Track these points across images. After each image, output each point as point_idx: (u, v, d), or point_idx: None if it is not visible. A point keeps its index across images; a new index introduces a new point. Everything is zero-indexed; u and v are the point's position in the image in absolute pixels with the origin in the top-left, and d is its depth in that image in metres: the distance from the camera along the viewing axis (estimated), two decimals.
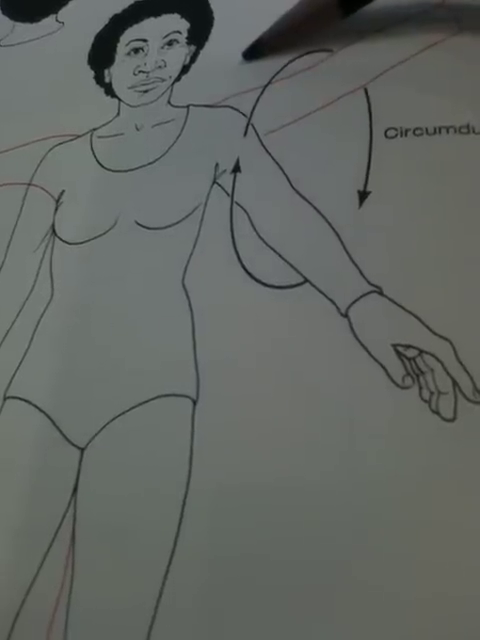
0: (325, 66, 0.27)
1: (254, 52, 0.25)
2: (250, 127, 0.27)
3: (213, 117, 0.28)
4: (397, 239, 0.22)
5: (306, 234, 0.24)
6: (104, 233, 0.27)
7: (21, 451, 0.23)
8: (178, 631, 0.19)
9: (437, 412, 0.19)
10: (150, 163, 0.28)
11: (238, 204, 0.25)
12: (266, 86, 0.28)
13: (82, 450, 0.22)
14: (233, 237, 0.25)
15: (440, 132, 0.24)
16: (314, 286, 0.22)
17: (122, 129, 0.30)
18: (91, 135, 0.30)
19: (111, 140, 0.30)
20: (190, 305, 0.24)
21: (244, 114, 0.28)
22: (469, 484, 0.18)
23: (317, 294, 0.22)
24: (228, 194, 0.26)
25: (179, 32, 0.31)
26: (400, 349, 0.20)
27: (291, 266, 0.23)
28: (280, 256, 0.24)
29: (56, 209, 0.28)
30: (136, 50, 0.32)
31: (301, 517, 0.19)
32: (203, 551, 0.19)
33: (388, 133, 0.25)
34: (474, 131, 0.24)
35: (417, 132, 0.24)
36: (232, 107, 0.28)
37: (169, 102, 0.30)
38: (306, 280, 0.23)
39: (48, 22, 0.36)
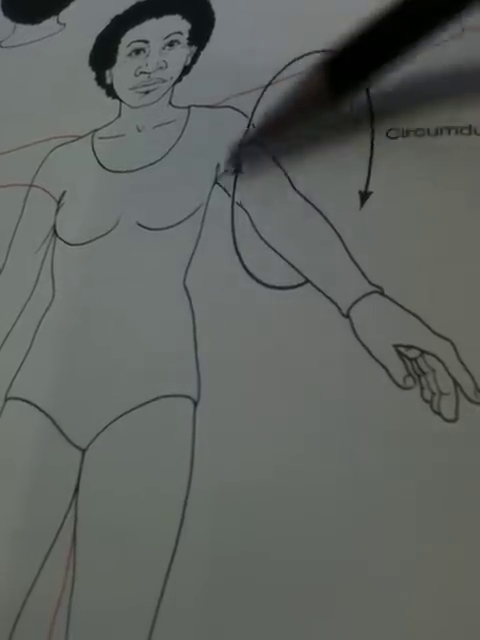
0: None
1: (237, 158, 0.26)
2: (251, 128, 0.27)
3: (214, 118, 0.28)
4: (398, 240, 0.22)
5: (307, 235, 0.24)
6: (105, 234, 0.27)
7: (22, 452, 0.23)
8: (179, 632, 0.19)
9: (439, 413, 0.19)
10: (151, 164, 0.28)
11: (239, 205, 0.25)
12: (267, 86, 0.28)
13: (83, 451, 0.22)
14: (234, 238, 0.25)
15: (442, 133, 0.24)
16: (315, 286, 0.22)
17: (123, 130, 0.30)
18: (92, 136, 0.30)
19: (112, 141, 0.30)
20: (191, 306, 0.24)
21: (245, 115, 0.28)
22: (470, 485, 0.18)
23: (318, 294, 0.22)
24: (229, 195, 0.26)
25: (180, 33, 0.31)
26: (401, 349, 0.20)
27: (292, 266, 0.23)
28: (281, 256, 0.23)
29: (57, 210, 0.28)
30: (137, 51, 0.32)
31: (302, 518, 0.19)
32: (204, 552, 0.19)
33: (390, 134, 0.25)
34: (476, 132, 0.24)
35: (419, 133, 0.24)
36: (233, 108, 0.28)
37: (170, 103, 0.30)
38: (307, 280, 0.23)
39: (49, 23, 0.36)
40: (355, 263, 0.22)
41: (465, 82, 0.25)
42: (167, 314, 0.24)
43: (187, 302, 0.24)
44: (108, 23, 0.34)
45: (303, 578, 0.18)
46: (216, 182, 0.26)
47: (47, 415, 0.23)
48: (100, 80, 0.32)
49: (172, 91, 0.30)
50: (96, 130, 0.30)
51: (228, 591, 0.19)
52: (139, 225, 0.27)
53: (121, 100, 0.31)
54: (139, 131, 0.29)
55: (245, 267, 0.24)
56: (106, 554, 0.20)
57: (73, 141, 0.30)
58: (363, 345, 0.21)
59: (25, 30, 0.37)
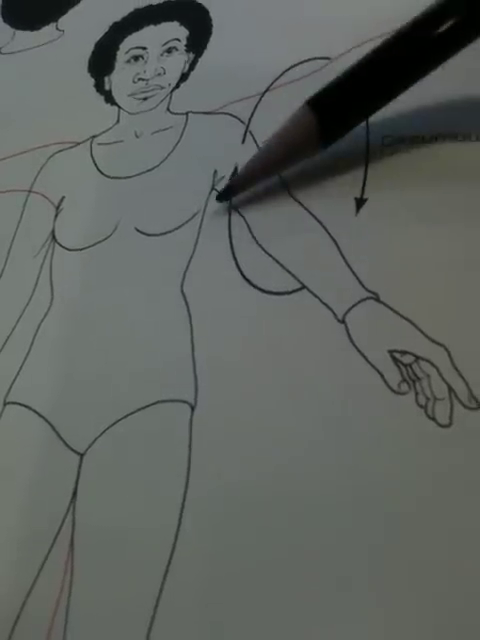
0: (323, 73, 0.28)
1: (227, 195, 0.25)
2: (248, 134, 0.27)
3: (212, 124, 0.28)
4: (394, 246, 0.23)
5: (303, 241, 0.24)
6: (104, 239, 0.27)
7: (21, 456, 0.23)
8: (176, 636, 0.19)
9: (433, 418, 0.19)
10: (149, 170, 0.28)
11: (236, 211, 0.26)
12: (264, 93, 0.28)
13: (81, 455, 0.22)
14: (231, 243, 0.25)
15: (437, 140, 0.24)
16: (311, 292, 0.23)
17: (122, 136, 0.30)
18: (91, 142, 0.30)
19: (111, 147, 0.30)
20: (189, 311, 0.24)
21: (242, 121, 0.28)
22: (465, 490, 0.18)
23: (314, 300, 0.22)
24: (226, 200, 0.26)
25: (178, 40, 0.32)
26: (396, 355, 0.20)
27: (288, 272, 0.23)
28: (278, 262, 0.24)
29: (56, 215, 0.29)
30: (136, 57, 0.32)
31: (298, 522, 0.19)
32: (201, 557, 0.19)
33: (385, 140, 0.25)
34: (471, 139, 0.24)
35: (414, 140, 0.24)
36: (231, 114, 0.28)
37: (168, 109, 0.30)
38: (303, 286, 0.23)
39: (48, 30, 0.36)
40: (351, 269, 0.22)
41: (460, 89, 0.25)
42: (165, 319, 0.24)
43: (184, 307, 0.24)
44: (107, 30, 0.34)
45: (300, 582, 0.18)
46: (214, 188, 0.26)
47: (45, 420, 0.23)
48: (99, 86, 0.32)
49: (170, 97, 0.30)
50: (95, 136, 0.30)
51: (224, 597, 0.19)
52: (137, 231, 0.27)
53: (119, 106, 0.31)
54: (137, 137, 0.30)
55: (242, 272, 0.24)
56: (104, 558, 0.20)
57: (72, 147, 0.31)
58: (358, 350, 0.21)
59: (24, 36, 0.37)
